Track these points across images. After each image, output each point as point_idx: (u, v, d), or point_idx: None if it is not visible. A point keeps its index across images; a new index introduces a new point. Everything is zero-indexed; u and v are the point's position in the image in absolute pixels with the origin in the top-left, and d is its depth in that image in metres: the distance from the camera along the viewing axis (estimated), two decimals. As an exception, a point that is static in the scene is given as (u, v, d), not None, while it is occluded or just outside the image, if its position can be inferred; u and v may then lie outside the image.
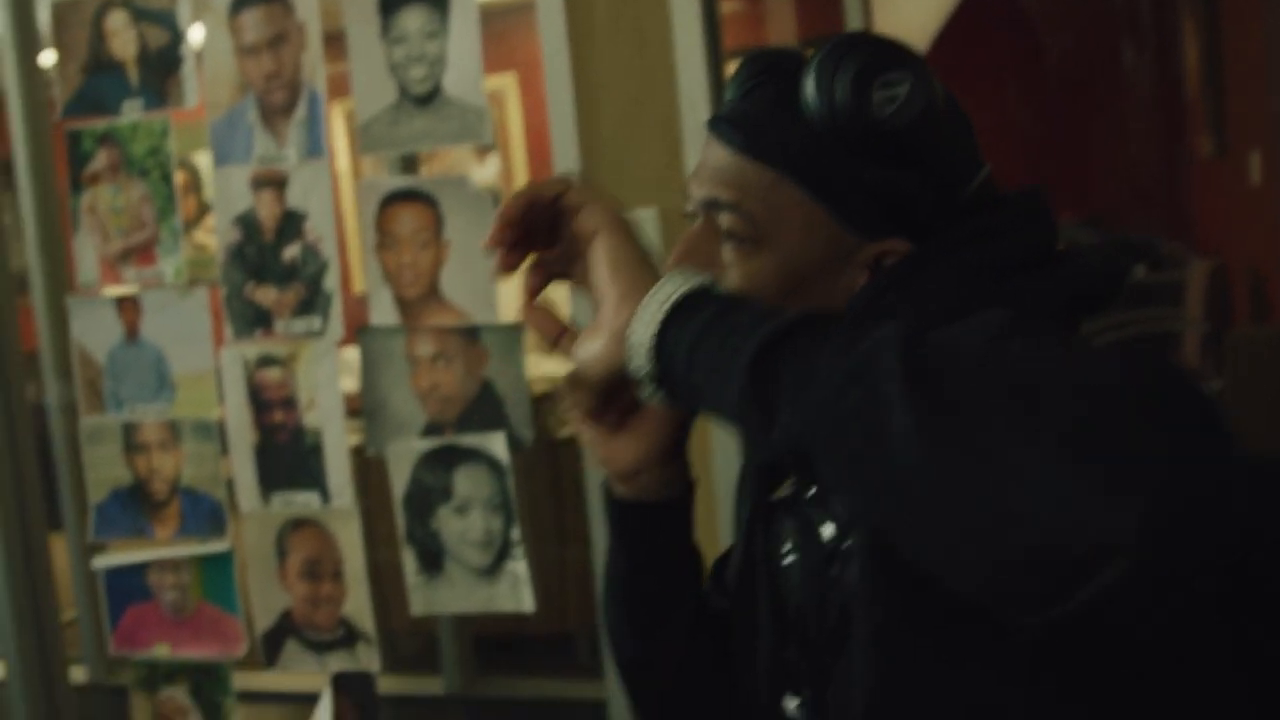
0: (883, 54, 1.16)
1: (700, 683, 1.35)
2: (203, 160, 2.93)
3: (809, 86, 1.16)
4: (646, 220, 2.65)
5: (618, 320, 1.07)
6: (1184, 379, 0.87)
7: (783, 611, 1.26)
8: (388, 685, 3.94)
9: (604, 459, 1.28)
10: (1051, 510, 0.81)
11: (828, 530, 1.21)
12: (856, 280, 1.19)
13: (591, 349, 1.10)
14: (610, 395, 1.25)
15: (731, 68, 1.26)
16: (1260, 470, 1.23)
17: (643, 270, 1.09)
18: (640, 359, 1.05)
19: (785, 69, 1.21)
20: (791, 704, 1.26)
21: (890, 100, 1.14)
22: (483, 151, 6.96)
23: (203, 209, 6.07)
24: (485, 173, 7.06)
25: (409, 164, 3.00)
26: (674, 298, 1.04)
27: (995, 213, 1.18)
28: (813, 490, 1.23)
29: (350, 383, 2.91)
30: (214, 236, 2.89)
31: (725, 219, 1.19)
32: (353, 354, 2.84)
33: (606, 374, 1.10)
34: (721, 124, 1.22)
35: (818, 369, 0.93)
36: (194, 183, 6.06)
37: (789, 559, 1.26)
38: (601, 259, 1.11)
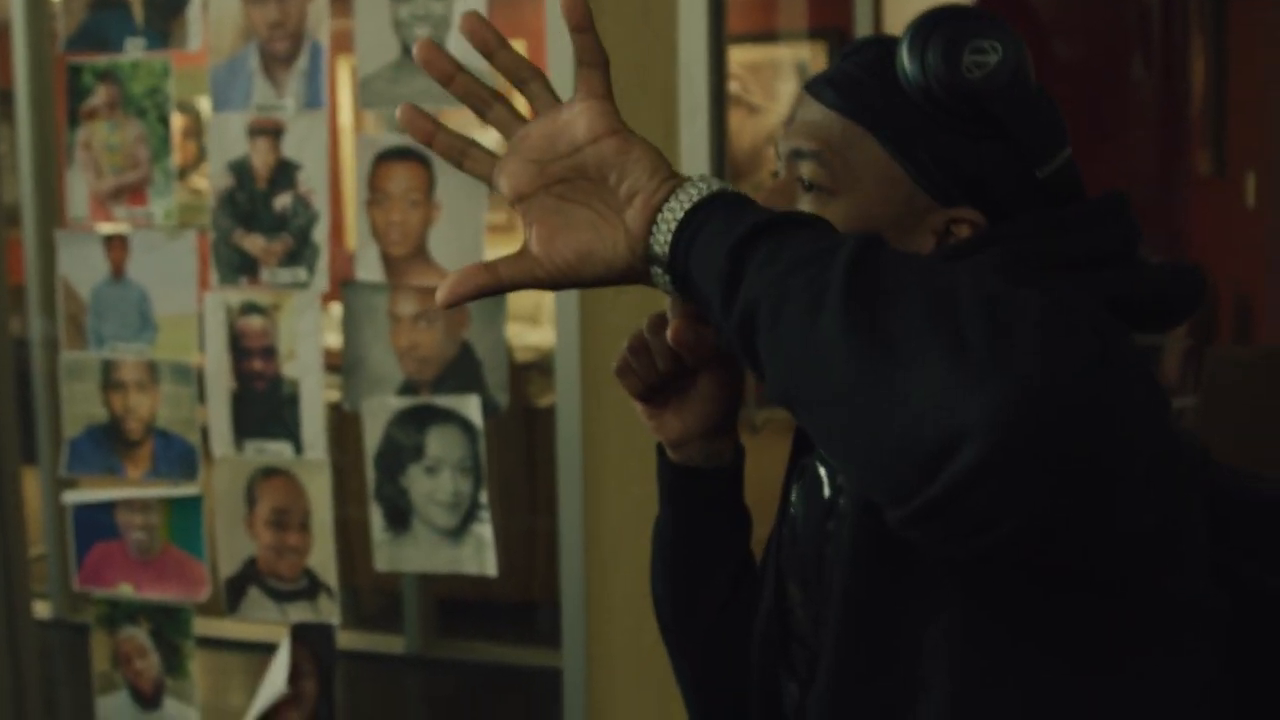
0: (978, 23, 1.18)
1: (736, 646, 1.37)
2: (205, 105, 2.92)
3: (903, 50, 1.19)
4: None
5: (652, 184, 1.05)
6: (1102, 320, 0.91)
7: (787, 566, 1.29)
8: (349, 641, 3.96)
9: (654, 428, 1.30)
10: (922, 395, 0.85)
11: (827, 488, 1.25)
12: (925, 243, 1.21)
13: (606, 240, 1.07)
14: (660, 384, 1.26)
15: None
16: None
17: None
18: (663, 237, 1.04)
19: (887, 42, 1.25)
20: (790, 684, 1.29)
21: (979, 66, 1.17)
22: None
23: (202, 154, 6.05)
24: (487, 137, 7.06)
25: (407, 123, 3.00)
26: (711, 189, 1.04)
27: (1069, 209, 1.19)
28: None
29: (334, 338, 2.91)
30: (209, 186, 2.89)
31: (806, 168, 1.22)
32: (339, 310, 2.85)
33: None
34: (815, 82, 1.25)
35: (785, 251, 0.96)
36: (195, 127, 6.05)
37: (795, 512, 1.30)
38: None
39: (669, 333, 1.18)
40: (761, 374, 0.96)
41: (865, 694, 1.14)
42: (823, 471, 1.25)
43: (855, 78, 1.23)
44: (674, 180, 1.05)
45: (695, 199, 1.03)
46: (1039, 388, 0.83)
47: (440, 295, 1.07)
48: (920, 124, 1.20)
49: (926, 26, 1.18)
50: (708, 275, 1.00)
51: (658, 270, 1.06)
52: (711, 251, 1.00)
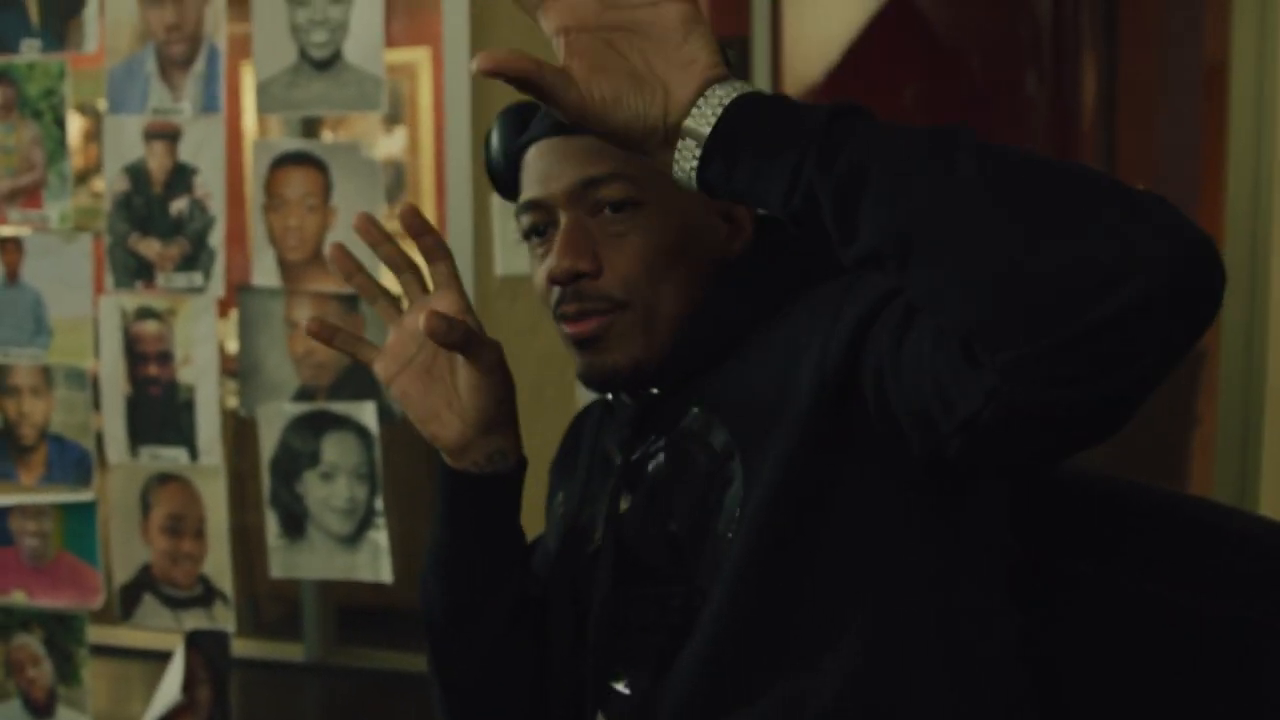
0: None
1: (511, 671, 1.36)
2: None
3: None
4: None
5: (712, 60, 1.03)
6: None
7: (626, 562, 1.29)
8: (248, 649, 3.94)
9: (433, 435, 1.30)
10: (1101, 230, 0.86)
11: (709, 449, 1.24)
12: (739, 216, 1.28)
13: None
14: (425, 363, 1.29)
15: None
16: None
17: None
18: (710, 111, 1.00)
19: None
20: (619, 684, 1.28)
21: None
22: (390, 122, 6.93)
23: (103, 157, 5.99)
24: (392, 145, 7.03)
25: (310, 128, 3.00)
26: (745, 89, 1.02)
27: None
28: (660, 442, 1.28)
29: (233, 345, 2.90)
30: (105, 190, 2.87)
31: (606, 191, 1.23)
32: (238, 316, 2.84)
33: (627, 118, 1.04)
34: (554, 124, 1.25)
35: (880, 125, 0.97)
36: (97, 130, 5.97)
37: (625, 506, 1.30)
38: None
39: (421, 323, 1.22)
40: (852, 237, 0.94)
41: (757, 647, 1.17)
42: (693, 446, 1.25)
43: None
44: (729, 69, 1.03)
45: (745, 90, 1.01)
46: (1209, 247, 0.86)
47: (480, 61, 1.05)
48: None
49: None
50: (771, 151, 0.97)
51: (687, 143, 1.01)
52: (780, 128, 0.98)
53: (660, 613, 1.25)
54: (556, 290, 1.26)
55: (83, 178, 2.93)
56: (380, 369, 1.29)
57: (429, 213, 7.16)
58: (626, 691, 1.28)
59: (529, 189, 1.28)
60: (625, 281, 1.24)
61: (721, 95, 1.00)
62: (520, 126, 1.33)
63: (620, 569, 1.29)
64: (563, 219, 1.26)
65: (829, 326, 1.12)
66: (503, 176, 1.37)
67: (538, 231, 1.28)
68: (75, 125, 2.93)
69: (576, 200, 1.25)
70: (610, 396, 1.36)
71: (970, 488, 1.17)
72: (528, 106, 1.32)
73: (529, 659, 1.35)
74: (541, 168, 1.27)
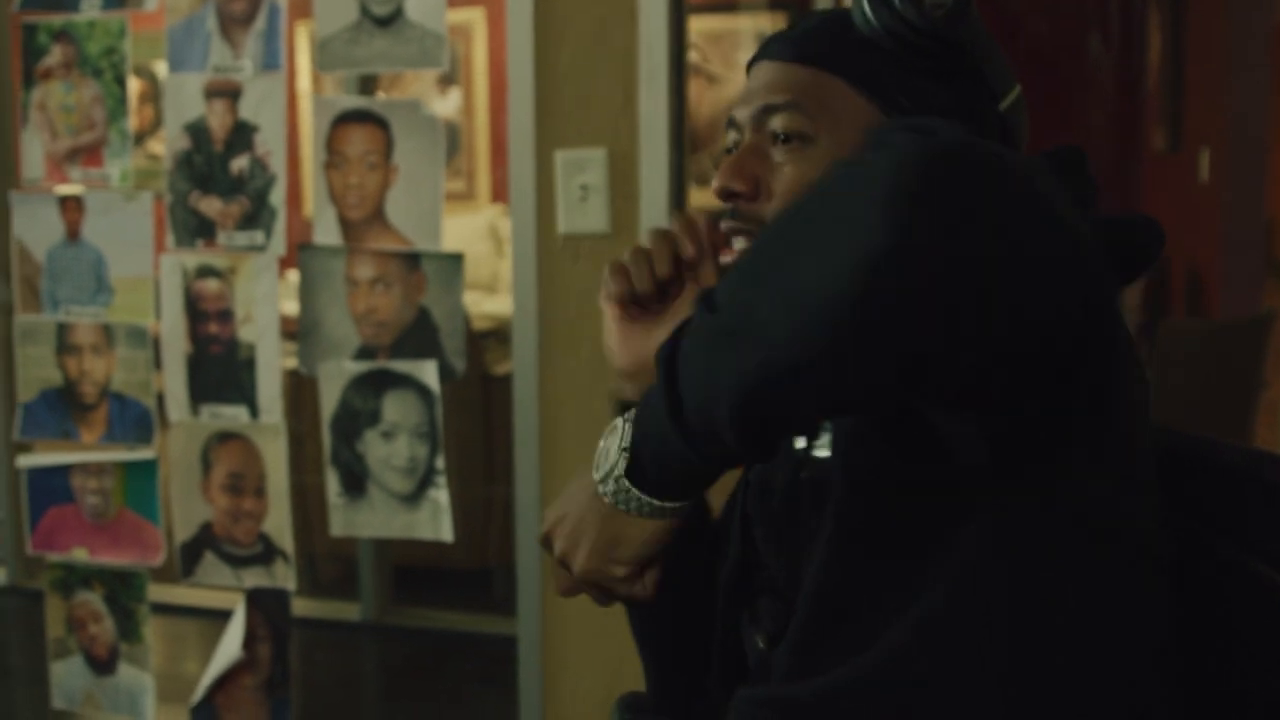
0: None
1: (695, 597, 1.38)
2: (163, 70, 2.89)
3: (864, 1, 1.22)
4: (595, 161, 2.65)
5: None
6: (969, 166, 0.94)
7: (750, 524, 1.31)
8: (306, 609, 3.96)
9: (612, 352, 1.32)
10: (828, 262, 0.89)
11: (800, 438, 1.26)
12: None
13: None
14: (645, 298, 1.30)
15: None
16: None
17: None
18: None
19: (831, 9, 1.30)
20: (759, 639, 1.30)
21: (940, 7, 1.20)
22: (445, 83, 6.92)
23: (159, 119, 6.01)
24: (447, 105, 7.02)
25: (366, 87, 2.99)
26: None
27: (1039, 156, 1.23)
28: None
29: (292, 307, 2.90)
30: (165, 149, 2.87)
31: (779, 120, 1.24)
32: (297, 277, 2.83)
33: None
34: (773, 44, 1.28)
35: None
36: (152, 92, 6.00)
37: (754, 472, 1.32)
38: None
39: (677, 222, 1.28)
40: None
41: (835, 650, 1.14)
42: None
43: (814, 32, 1.26)
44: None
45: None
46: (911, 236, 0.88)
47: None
48: (889, 68, 1.22)
49: None
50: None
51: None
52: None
53: (772, 578, 1.27)
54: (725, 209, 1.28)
55: (138, 139, 2.92)
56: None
57: (483, 174, 7.16)
58: (760, 645, 1.30)
59: (736, 104, 1.30)
60: (777, 211, 1.24)
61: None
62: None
63: (743, 528, 1.33)
64: (745, 139, 1.28)
65: None
66: None
67: (730, 150, 1.30)
68: (131, 87, 2.93)
69: (757, 125, 1.26)
70: None
71: (1045, 452, 1.10)
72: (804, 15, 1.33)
73: (702, 590, 1.39)
74: (744, 90, 1.29)
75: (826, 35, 1.25)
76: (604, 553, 1.10)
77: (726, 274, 1.00)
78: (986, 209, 0.92)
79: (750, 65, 1.31)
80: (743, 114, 1.27)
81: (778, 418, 0.97)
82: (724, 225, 1.27)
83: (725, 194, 1.25)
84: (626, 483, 1.07)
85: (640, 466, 1.06)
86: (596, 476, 1.08)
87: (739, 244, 1.27)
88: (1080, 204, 1.18)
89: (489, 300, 5.74)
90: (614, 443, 1.07)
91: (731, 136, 1.30)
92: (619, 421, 1.08)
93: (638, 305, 1.30)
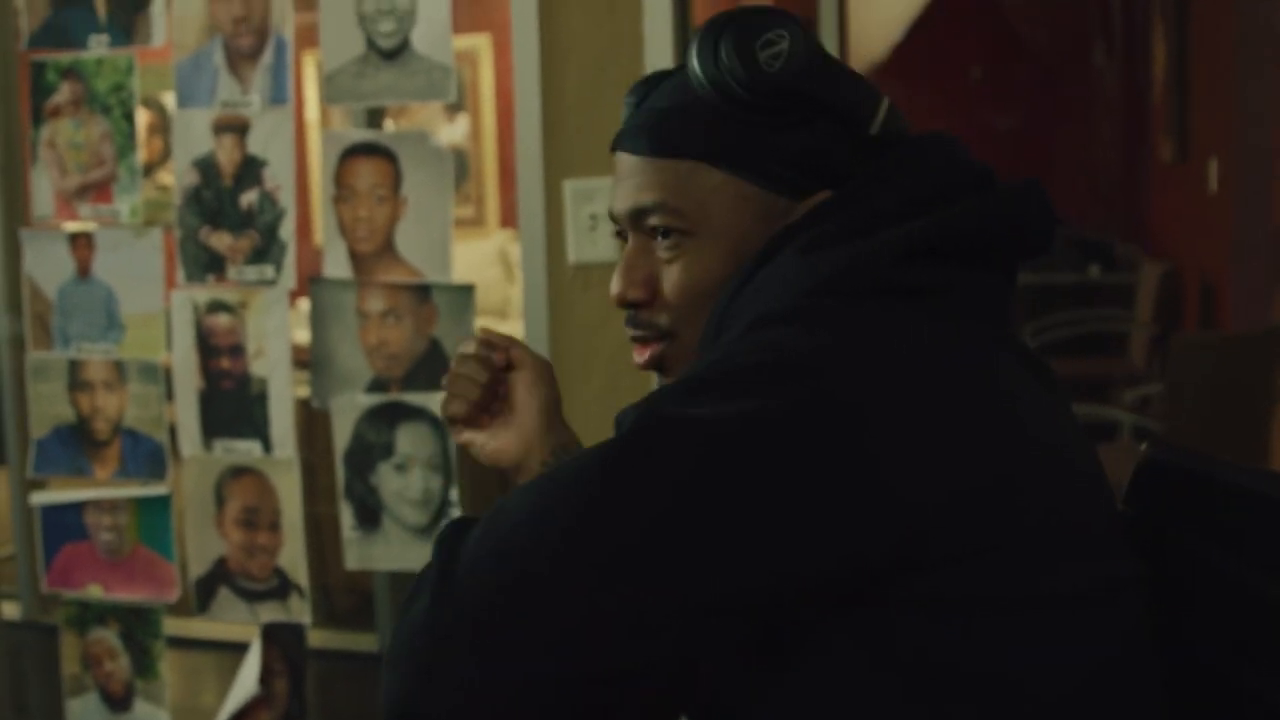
0: (755, 18, 1.19)
1: None
2: (172, 100, 2.90)
3: (695, 68, 1.20)
4: (603, 190, 2.64)
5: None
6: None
7: None
8: (321, 640, 3.94)
9: (492, 455, 1.36)
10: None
11: None
12: None
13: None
14: (487, 397, 1.36)
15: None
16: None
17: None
18: None
19: (665, 74, 1.27)
20: None
21: (775, 57, 1.18)
22: (452, 111, 6.93)
23: (168, 150, 6.01)
24: (454, 132, 7.03)
25: (374, 119, 2.99)
26: None
27: (885, 161, 1.21)
28: None
29: (303, 335, 2.90)
30: (175, 184, 2.87)
31: (654, 219, 1.23)
32: (308, 305, 2.83)
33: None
34: (625, 138, 1.26)
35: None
36: (162, 123, 6.01)
37: None
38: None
39: (478, 333, 1.37)
40: None
41: None
42: None
43: (660, 116, 1.23)
44: None
45: None
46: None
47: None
48: (742, 132, 1.20)
49: (710, 40, 1.19)
50: None
51: None
52: None
53: None
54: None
55: (147, 170, 2.92)
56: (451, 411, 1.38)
57: (492, 199, 7.16)
58: None
59: (611, 196, 1.30)
60: (670, 309, 1.24)
61: None
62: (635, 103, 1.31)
63: None
64: (629, 238, 1.27)
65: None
66: None
67: (621, 235, 1.29)
68: (140, 119, 2.93)
69: (634, 224, 1.25)
70: None
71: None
72: (638, 86, 1.30)
73: None
74: (615, 181, 1.28)
75: (674, 116, 1.22)
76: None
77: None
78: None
79: (612, 150, 1.29)
80: (618, 210, 1.26)
81: None
82: (628, 332, 1.28)
83: (622, 303, 1.26)
84: None
85: None
86: None
87: (645, 348, 1.28)
88: (952, 191, 1.18)
89: (500, 326, 5.75)
90: None
91: (614, 227, 1.30)
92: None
93: (481, 414, 1.36)
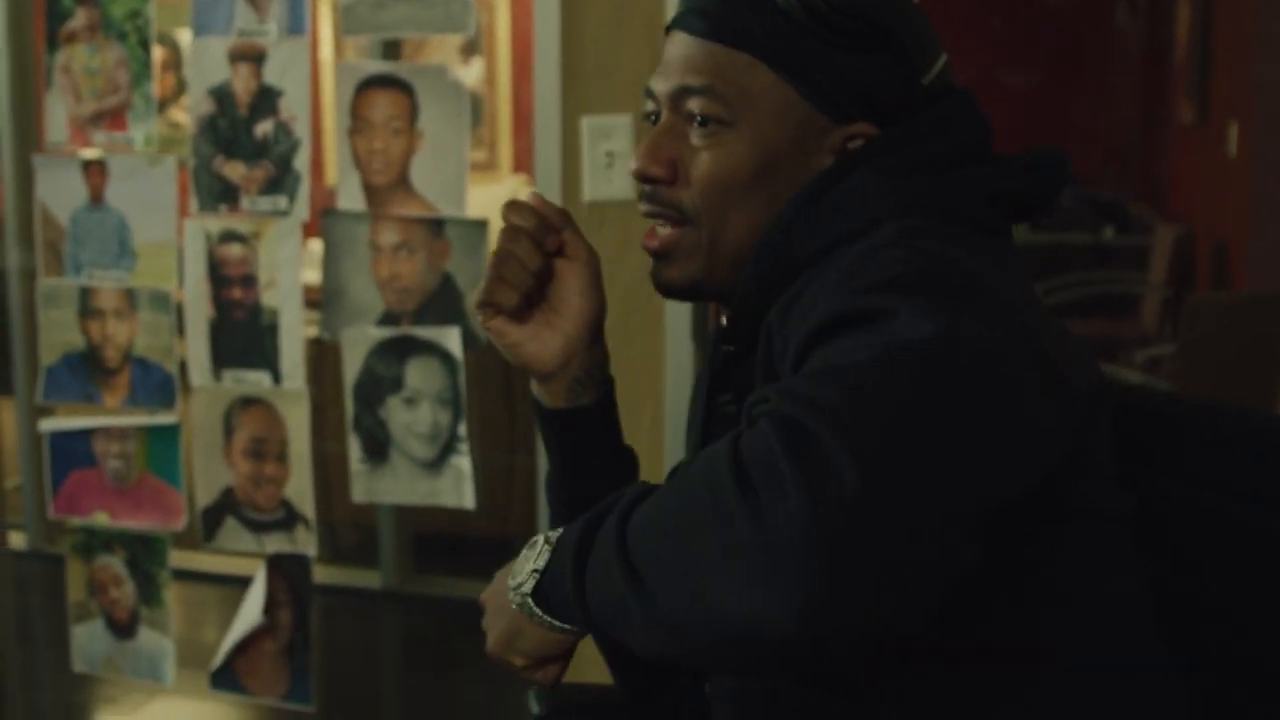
0: None
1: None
2: (185, 37, 2.88)
3: None
4: (620, 127, 2.63)
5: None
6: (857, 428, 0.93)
7: None
8: (326, 576, 3.96)
9: (530, 359, 1.31)
10: (733, 613, 0.91)
11: None
12: (824, 163, 1.22)
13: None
14: (530, 292, 1.28)
15: None
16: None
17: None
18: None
19: None
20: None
21: None
22: (467, 53, 6.90)
23: (181, 87, 6.00)
24: (468, 74, 7.00)
25: (390, 52, 2.98)
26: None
27: (938, 107, 1.22)
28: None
29: (314, 274, 2.89)
30: (188, 113, 2.86)
31: (696, 103, 1.21)
32: (319, 246, 2.82)
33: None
34: (689, 17, 1.24)
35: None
36: (174, 59, 5.99)
37: None
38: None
39: (530, 199, 1.27)
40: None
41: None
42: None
43: (731, 4, 1.22)
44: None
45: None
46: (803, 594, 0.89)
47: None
48: (808, 45, 1.20)
49: None
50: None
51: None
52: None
53: None
54: (640, 185, 1.26)
55: (160, 107, 2.91)
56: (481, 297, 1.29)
57: (505, 144, 7.14)
58: None
59: (653, 75, 1.27)
60: (692, 195, 1.23)
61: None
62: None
63: None
64: (663, 116, 1.25)
65: (800, 325, 1.07)
66: None
67: (652, 119, 1.28)
68: (154, 54, 2.91)
69: (675, 104, 1.24)
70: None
71: None
72: None
73: None
74: (663, 59, 1.26)
75: (742, 13, 1.21)
76: (507, 642, 1.14)
77: (640, 515, 1.00)
78: (929, 449, 0.93)
79: (669, 30, 1.28)
80: (660, 88, 1.25)
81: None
82: (643, 209, 1.26)
83: (642, 177, 1.24)
84: (530, 602, 1.10)
85: (544, 594, 1.09)
86: (510, 582, 1.12)
87: (662, 229, 1.26)
88: (970, 151, 1.20)
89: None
90: (530, 559, 1.11)
91: (650, 105, 1.28)
92: (540, 538, 1.12)
93: (529, 302, 1.30)
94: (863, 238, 1.12)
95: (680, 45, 1.24)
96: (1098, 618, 1.12)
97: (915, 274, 1.03)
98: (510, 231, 1.27)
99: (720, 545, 0.91)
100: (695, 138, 1.22)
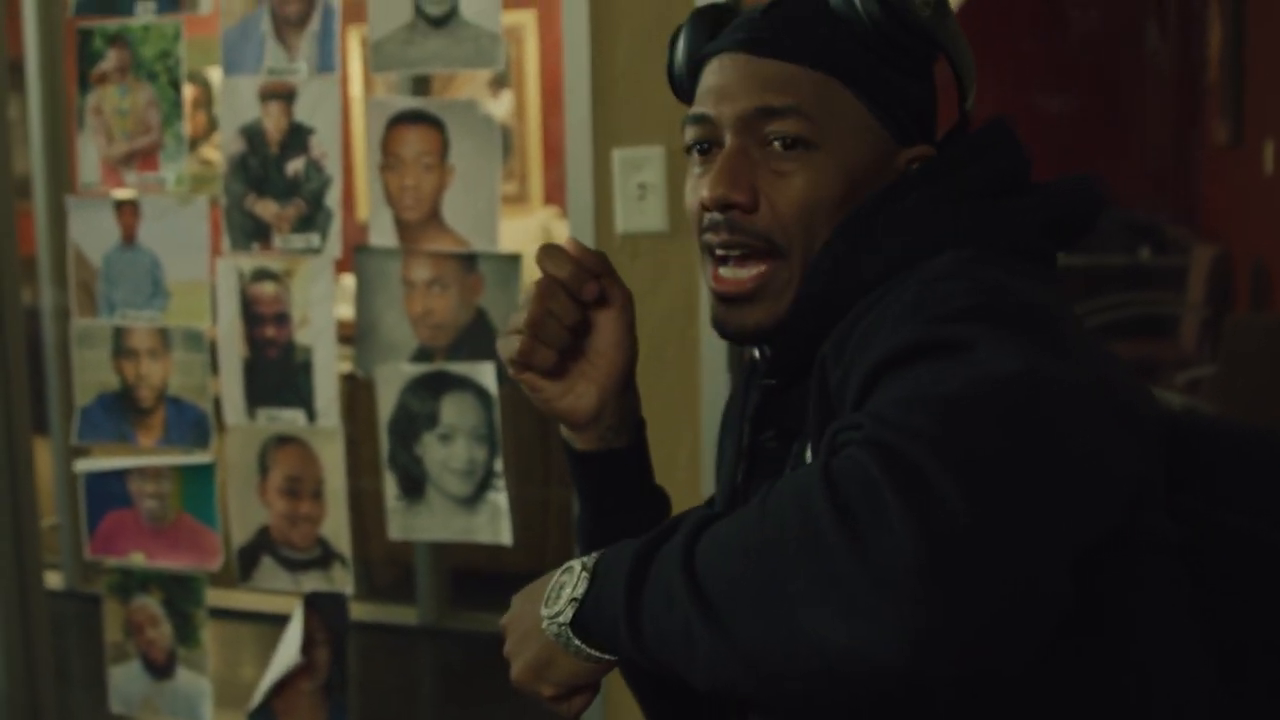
0: None
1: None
2: (215, 75, 2.89)
3: None
4: (653, 159, 2.62)
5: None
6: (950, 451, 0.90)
7: None
8: (362, 613, 3.96)
9: (565, 412, 1.29)
10: (832, 645, 0.88)
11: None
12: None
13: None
14: (566, 347, 1.25)
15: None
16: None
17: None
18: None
19: None
20: None
21: (928, 4, 1.18)
22: (496, 87, 6.91)
23: (212, 124, 6.03)
24: (498, 108, 7.02)
25: (421, 87, 2.98)
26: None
27: (980, 134, 1.22)
28: (795, 445, 1.22)
29: (347, 310, 2.89)
30: (220, 151, 2.86)
31: (781, 125, 1.19)
32: (351, 281, 2.82)
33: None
34: (752, 39, 1.21)
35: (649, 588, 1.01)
36: (205, 98, 6.02)
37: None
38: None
39: (566, 244, 1.22)
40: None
41: None
42: (808, 455, 1.18)
43: (802, 25, 1.20)
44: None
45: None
46: (906, 621, 0.86)
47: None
48: (879, 65, 1.19)
49: None
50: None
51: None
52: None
53: None
54: (707, 216, 1.21)
55: (191, 145, 2.91)
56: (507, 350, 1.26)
57: (536, 176, 7.15)
58: None
59: (702, 101, 1.23)
60: (783, 224, 1.19)
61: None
62: (711, 31, 1.28)
63: None
64: (728, 141, 1.20)
65: (863, 354, 1.04)
66: (683, 83, 1.32)
67: (701, 148, 1.23)
68: (184, 93, 2.92)
69: (747, 127, 1.20)
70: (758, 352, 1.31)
71: None
72: (724, 9, 1.28)
73: None
74: (719, 83, 1.22)
75: (817, 30, 1.20)
76: (537, 671, 1.12)
77: (711, 542, 0.97)
78: (1029, 481, 0.90)
79: (712, 54, 1.24)
80: (728, 111, 1.20)
81: None
82: (715, 240, 1.21)
83: (724, 205, 1.19)
84: (569, 631, 1.07)
85: (584, 623, 1.07)
86: (543, 611, 1.08)
87: (728, 269, 1.21)
88: (1013, 179, 1.19)
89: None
90: (567, 586, 1.08)
91: (696, 133, 1.23)
92: (576, 564, 1.08)
93: (565, 358, 1.26)
94: (919, 266, 1.10)
95: (744, 67, 1.21)
96: (1159, 651, 1.10)
97: (987, 307, 1.01)
98: (547, 286, 1.22)
99: (816, 574, 0.88)
100: (780, 162, 1.19)
